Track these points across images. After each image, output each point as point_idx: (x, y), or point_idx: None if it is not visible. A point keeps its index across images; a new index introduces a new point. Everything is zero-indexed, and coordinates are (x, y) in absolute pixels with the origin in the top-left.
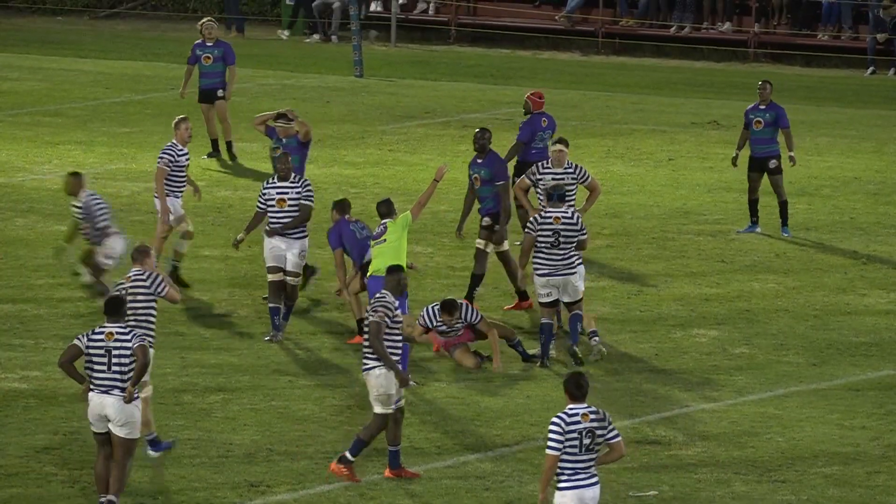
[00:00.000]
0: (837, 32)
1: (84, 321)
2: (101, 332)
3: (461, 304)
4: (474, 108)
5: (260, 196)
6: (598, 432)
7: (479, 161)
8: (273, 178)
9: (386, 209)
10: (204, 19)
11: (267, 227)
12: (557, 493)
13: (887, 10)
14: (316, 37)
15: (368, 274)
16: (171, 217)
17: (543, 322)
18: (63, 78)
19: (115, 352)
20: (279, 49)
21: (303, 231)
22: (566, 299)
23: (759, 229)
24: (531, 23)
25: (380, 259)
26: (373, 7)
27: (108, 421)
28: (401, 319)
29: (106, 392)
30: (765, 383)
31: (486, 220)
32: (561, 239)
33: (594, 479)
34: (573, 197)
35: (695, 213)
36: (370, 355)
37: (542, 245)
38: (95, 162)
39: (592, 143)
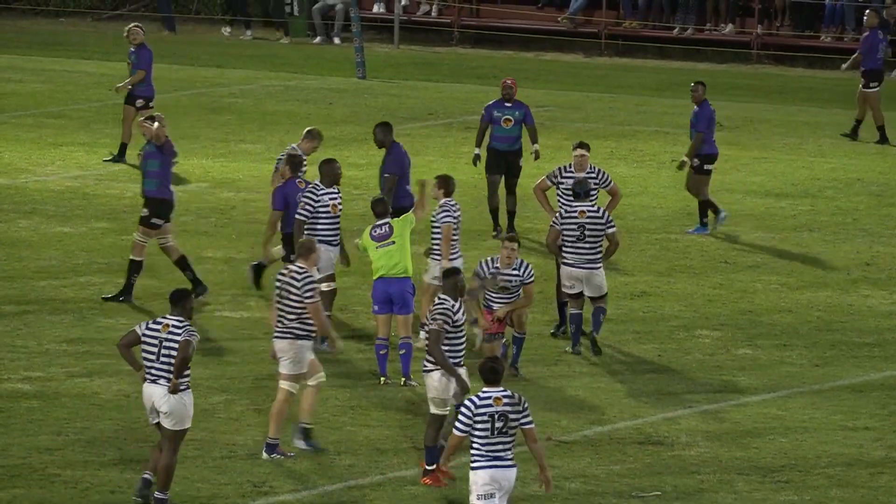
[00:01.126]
0: (840, 34)
1: (87, 322)
2: (160, 323)
3: (520, 261)
4: (477, 110)
5: (309, 203)
6: (512, 416)
7: (385, 156)
8: (319, 184)
9: (383, 208)
10: (131, 24)
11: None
12: (471, 473)
13: (890, 11)
14: (318, 38)
15: (376, 275)
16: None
17: (573, 312)
18: (66, 79)
19: (165, 343)
20: (281, 51)
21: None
22: (589, 293)
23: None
24: (534, 24)
25: (388, 259)
26: (375, 8)
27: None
28: (462, 321)
29: (154, 381)
30: (768, 384)
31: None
32: (586, 232)
33: (507, 462)
34: (594, 200)
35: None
36: (431, 358)
37: (568, 238)
38: (99, 163)
39: (595, 145)
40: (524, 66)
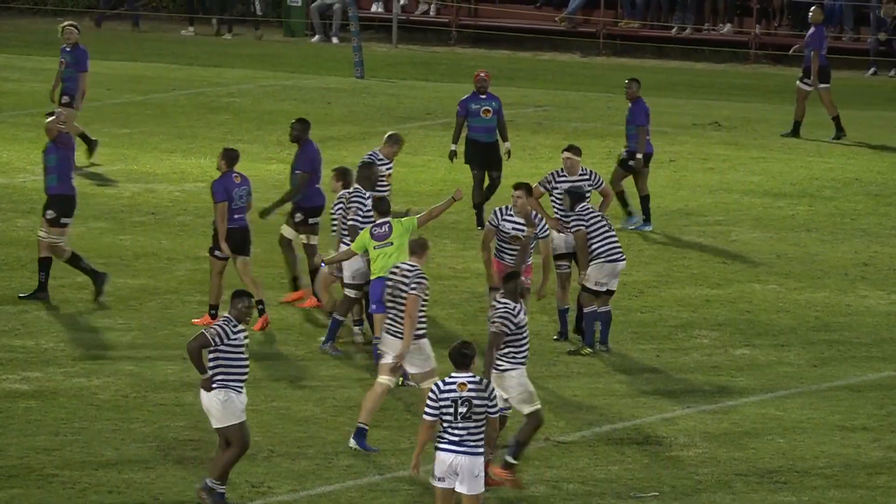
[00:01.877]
0: (839, 33)
1: (84, 323)
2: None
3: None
4: None
5: (360, 209)
6: (476, 402)
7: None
8: (361, 189)
9: (386, 207)
10: (65, 22)
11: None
12: (435, 453)
13: (887, 10)
14: (317, 38)
15: (374, 275)
16: None
17: (590, 311)
18: None
19: None
20: (280, 50)
21: None
22: (614, 287)
23: (635, 221)
24: (532, 24)
25: (385, 260)
26: (374, 8)
27: None
28: (524, 321)
29: None
30: (766, 384)
31: (299, 216)
32: (610, 224)
33: (466, 448)
34: (589, 200)
35: (696, 215)
36: (504, 358)
37: (602, 234)
38: (97, 163)
39: (593, 145)
40: (522, 66)
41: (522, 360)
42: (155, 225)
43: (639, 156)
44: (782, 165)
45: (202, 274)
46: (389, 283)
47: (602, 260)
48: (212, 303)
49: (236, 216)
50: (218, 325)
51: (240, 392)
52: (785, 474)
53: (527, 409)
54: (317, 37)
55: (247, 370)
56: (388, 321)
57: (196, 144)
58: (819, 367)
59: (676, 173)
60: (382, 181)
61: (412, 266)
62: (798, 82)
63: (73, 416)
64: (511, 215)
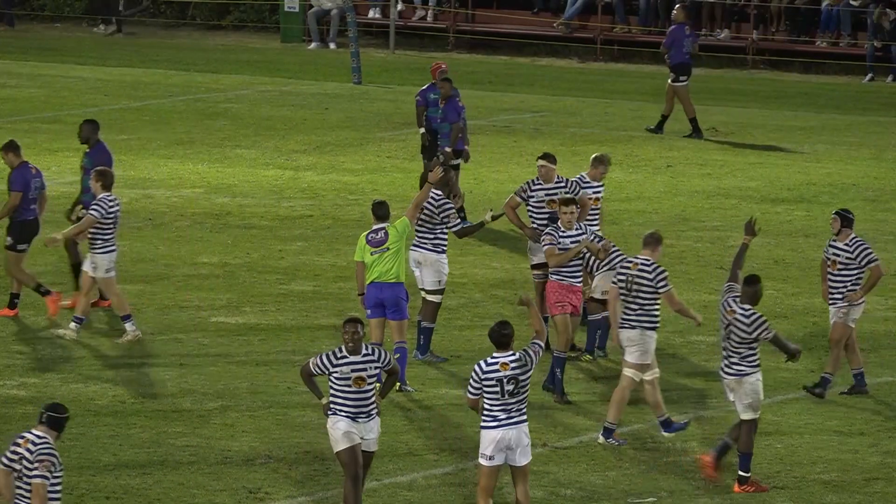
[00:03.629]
0: (836, 39)
1: (82, 328)
2: None
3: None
4: (472, 115)
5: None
6: (521, 378)
7: (87, 151)
8: (440, 194)
9: (384, 212)
10: None
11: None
12: (481, 432)
13: (879, 17)
14: (314, 44)
15: (369, 280)
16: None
17: (593, 318)
18: (61, 85)
19: None
20: (277, 56)
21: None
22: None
23: None
24: (529, 30)
25: (381, 266)
26: (371, 14)
27: None
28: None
29: None
30: (763, 389)
31: (84, 212)
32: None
33: (514, 421)
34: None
35: (693, 220)
36: (743, 361)
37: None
38: None
39: (591, 150)
40: (519, 71)
41: (759, 364)
42: (152, 230)
43: (447, 149)
44: (779, 171)
45: (199, 280)
46: (622, 275)
47: (606, 268)
48: (30, 287)
49: (31, 206)
50: (323, 354)
51: (354, 420)
52: (782, 479)
53: (748, 416)
54: (314, 44)
55: (356, 400)
56: (625, 313)
57: (193, 150)
58: (816, 372)
59: (674, 179)
60: (594, 207)
61: (647, 260)
62: (671, 82)
63: (71, 422)
64: (563, 232)
